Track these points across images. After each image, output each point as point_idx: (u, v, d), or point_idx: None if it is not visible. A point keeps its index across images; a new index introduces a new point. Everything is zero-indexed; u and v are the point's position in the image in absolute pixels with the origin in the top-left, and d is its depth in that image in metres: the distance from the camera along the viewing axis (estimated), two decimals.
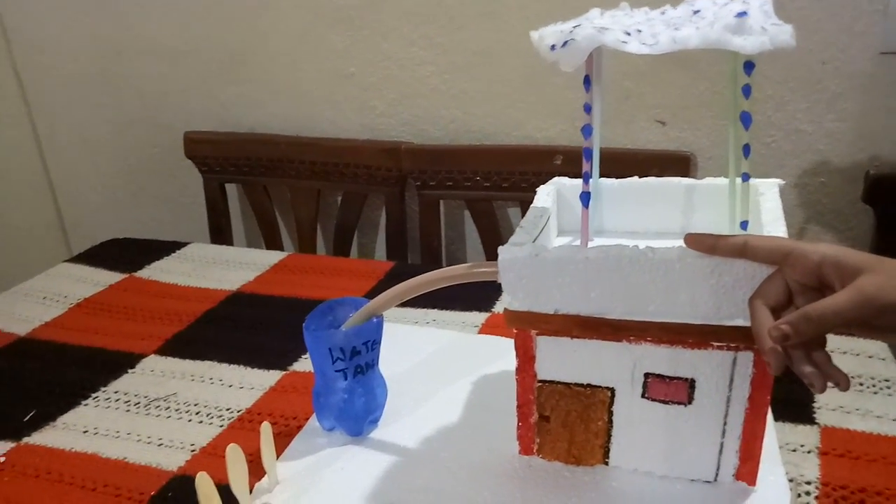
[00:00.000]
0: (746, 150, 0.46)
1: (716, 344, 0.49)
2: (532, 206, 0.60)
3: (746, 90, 0.45)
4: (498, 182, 1.12)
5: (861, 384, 0.69)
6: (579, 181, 0.55)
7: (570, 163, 1.05)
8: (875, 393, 0.68)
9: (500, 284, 0.52)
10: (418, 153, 1.15)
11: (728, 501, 0.53)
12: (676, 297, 0.48)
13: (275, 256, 1.07)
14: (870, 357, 0.73)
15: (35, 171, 1.52)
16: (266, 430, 0.56)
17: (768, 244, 0.44)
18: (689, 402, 0.52)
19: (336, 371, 0.60)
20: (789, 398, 0.67)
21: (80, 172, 1.49)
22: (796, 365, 0.43)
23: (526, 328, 0.53)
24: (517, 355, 0.55)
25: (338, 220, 1.25)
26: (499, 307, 0.88)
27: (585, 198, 0.50)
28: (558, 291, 0.50)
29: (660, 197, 0.61)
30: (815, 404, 0.66)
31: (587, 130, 0.47)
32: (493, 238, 1.16)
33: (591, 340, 0.52)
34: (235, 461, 0.53)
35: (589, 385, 0.54)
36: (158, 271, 1.04)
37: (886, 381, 0.69)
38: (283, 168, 1.24)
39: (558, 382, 0.55)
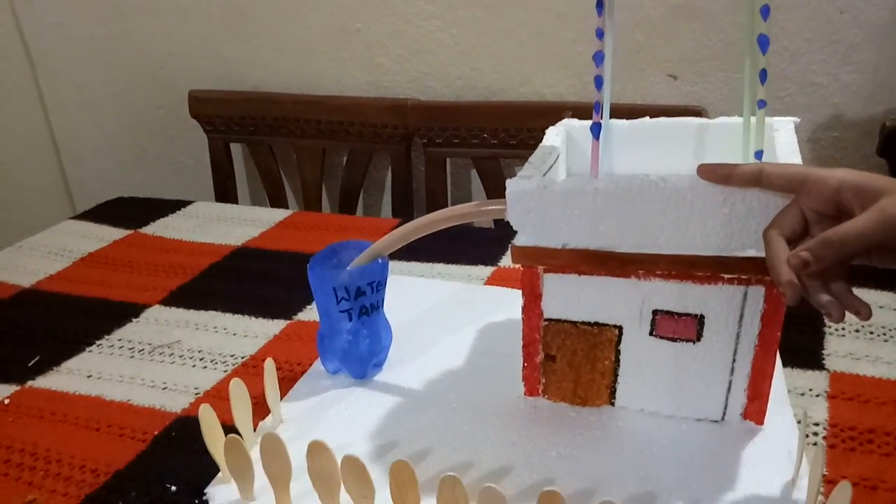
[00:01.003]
0: (763, 75, 0.44)
1: (727, 277, 0.48)
2: (541, 145, 0.59)
3: (765, 10, 0.43)
4: (505, 139, 1.10)
5: (871, 332, 0.68)
6: (589, 122, 0.54)
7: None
8: (886, 341, 0.67)
9: (506, 239, 0.51)
10: (424, 110, 1.13)
11: (735, 440, 0.53)
12: (687, 227, 0.47)
13: (280, 214, 1.06)
14: (881, 307, 0.72)
15: (40, 131, 1.51)
16: (270, 366, 0.56)
17: (784, 171, 0.43)
18: (698, 340, 0.52)
19: (340, 312, 0.60)
20: (798, 345, 0.66)
21: (85, 133, 1.48)
22: (813, 295, 0.42)
23: (533, 265, 0.52)
24: (523, 293, 0.54)
25: (343, 181, 1.24)
26: (504, 261, 0.87)
27: (596, 129, 0.48)
28: (566, 225, 0.49)
29: (671, 137, 0.59)
30: (824, 351, 0.66)
31: (599, 57, 0.46)
32: (500, 197, 1.14)
33: (599, 277, 0.51)
34: (239, 396, 0.53)
35: (596, 323, 0.54)
36: (163, 227, 1.03)
37: None
38: (289, 127, 1.23)
39: (565, 321, 0.54)
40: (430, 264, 0.87)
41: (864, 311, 0.41)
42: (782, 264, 0.42)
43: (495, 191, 1.15)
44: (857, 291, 0.75)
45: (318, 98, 1.21)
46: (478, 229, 1.16)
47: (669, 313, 0.51)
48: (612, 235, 0.49)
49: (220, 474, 0.52)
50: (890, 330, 0.68)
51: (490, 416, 0.57)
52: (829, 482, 0.49)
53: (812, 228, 0.43)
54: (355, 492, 0.45)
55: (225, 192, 1.32)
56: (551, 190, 0.48)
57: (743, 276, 0.48)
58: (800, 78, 0.97)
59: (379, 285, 0.60)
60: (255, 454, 0.50)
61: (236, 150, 1.33)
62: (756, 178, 0.43)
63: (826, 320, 0.71)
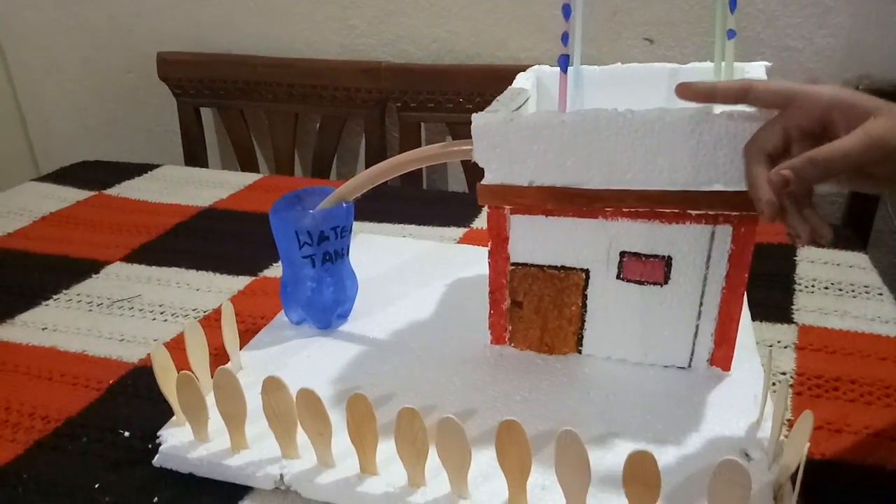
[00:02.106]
0: (733, 2, 0.43)
1: (694, 215, 0.47)
2: (510, 87, 0.57)
3: None
4: (481, 104, 1.08)
5: (840, 289, 0.68)
6: (558, 69, 0.53)
7: None
8: (854, 297, 0.67)
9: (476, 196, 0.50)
10: (399, 72, 1.11)
11: (702, 385, 0.52)
12: (655, 161, 0.46)
13: (250, 177, 1.04)
14: (850, 266, 0.73)
15: (4, 99, 1.46)
16: (228, 309, 0.54)
17: (773, 86, 0.41)
18: (665, 282, 0.51)
19: (303, 258, 0.58)
20: (768, 300, 0.66)
21: (51, 100, 1.44)
22: (787, 216, 0.42)
23: (499, 204, 0.51)
24: (490, 237, 0.53)
25: (316, 148, 1.22)
26: (477, 223, 0.86)
27: (564, 61, 0.47)
28: (533, 160, 0.48)
29: (643, 82, 0.58)
30: (793, 306, 0.65)
31: None
32: (476, 166, 1.13)
33: (566, 218, 0.50)
34: (195, 340, 0.51)
35: (563, 267, 0.53)
36: (129, 189, 1.01)
37: (865, 286, 0.69)
38: (260, 91, 1.20)
39: (531, 265, 0.53)
40: (402, 225, 0.86)
41: (826, 234, 0.41)
42: (763, 182, 0.41)
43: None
44: (829, 252, 0.75)
45: (290, 61, 1.18)
46: (451, 193, 1.15)
47: (637, 255, 0.50)
48: (579, 171, 0.47)
49: (174, 417, 0.50)
50: (859, 287, 0.68)
51: (455, 364, 0.56)
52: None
53: (793, 146, 0.42)
54: (311, 428, 0.44)
55: (194, 158, 1.28)
56: (517, 123, 0.47)
57: (710, 213, 0.47)
58: (775, 42, 0.96)
59: (343, 231, 0.59)
60: (210, 400, 0.48)
61: (206, 115, 1.30)
62: (743, 92, 0.42)
63: (796, 277, 0.71)
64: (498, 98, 0.53)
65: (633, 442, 0.46)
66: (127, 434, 0.52)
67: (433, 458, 0.42)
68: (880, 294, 0.67)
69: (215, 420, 0.48)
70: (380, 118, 1.16)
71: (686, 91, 0.44)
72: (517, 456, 0.39)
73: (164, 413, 0.51)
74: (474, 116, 0.48)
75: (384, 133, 1.18)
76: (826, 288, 0.69)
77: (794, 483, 0.39)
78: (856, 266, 0.73)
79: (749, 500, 0.35)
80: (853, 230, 0.86)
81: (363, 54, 1.17)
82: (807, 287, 0.69)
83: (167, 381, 0.48)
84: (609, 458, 0.45)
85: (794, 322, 0.63)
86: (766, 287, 0.69)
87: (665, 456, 0.45)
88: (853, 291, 0.68)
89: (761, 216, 0.40)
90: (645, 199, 0.47)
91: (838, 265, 0.73)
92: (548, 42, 1.07)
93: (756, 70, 0.55)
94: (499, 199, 0.51)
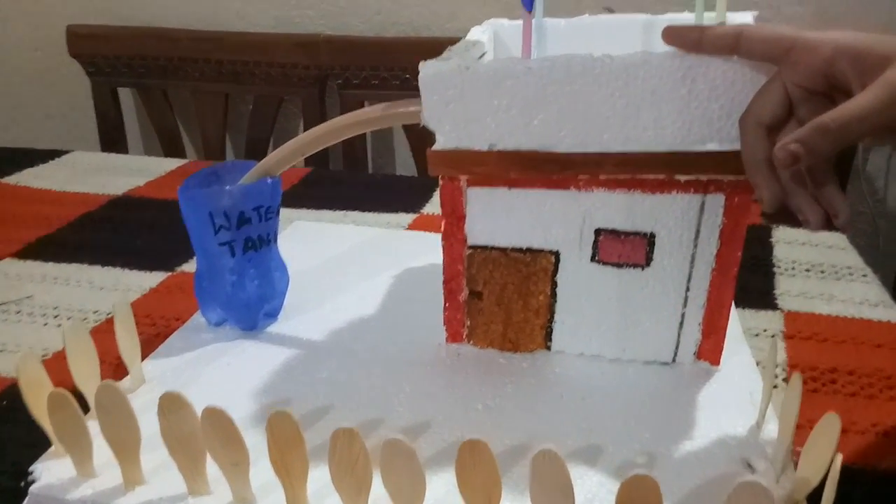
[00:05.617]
0: None
1: (682, 181, 0.40)
2: (463, 39, 0.49)
3: None
4: None
5: (822, 272, 0.63)
6: (519, 22, 0.45)
7: None
8: (838, 279, 0.62)
9: (431, 186, 0.41)
10: (340, 46, 1.02)
11: (690, 383, 0.45)
12: (638, 116, 0.38)
13: (173, 163, 0.93)
14: (829, 247, 0.68)
15: None
16: (122, 307, 0.44)
17: (768, 34, 0.34)
18: (647, 265, 0.43)
19: (220, 244, 0.48)
20: (747, 285, 0.60)
21: None
22: (792, 198, 0.35)
23: (454, 174, 0.43)
24: (444, 215, 0.45)
25: (249, 131, 1.11)
26: (428, 208, 0.77)
27: None
28: (493, 119, 0.40)
29: (615, 36, 0.51)
30: (775, 291, 0.60)
31: None
32: (427, 138, 1.05)
33: (533, 190, 0.43)
34: (77, 347, 0.41)
35: (529, 249, 0.45)
36: (29, 177, 0.88)
37: (848, 268, 0.64)
38: (186, 69, 1.09)
39: (493, 248, 0.45)
40: (344, 212, 0.77)
41: (843, 214, 0.34)
42: (760, 163, 0.34)
43: (420, 145, 1.05)
44: (805, 233, 0.70)
45: (218, 34, 1.08)
46: (399, 177, 1.06)
47: (615, 233, 0.43)
48: (548, 131, 0.40)
49: (52, 448, 0.40)
50: (842, 269, 0.64)
51: (404, 367, 0.47)
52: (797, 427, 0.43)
53: (797, 109, 0.35)
54: (223, 458, 0.35)
55: (112, 145, 1.16)
56: (475, 72, 0.39)
57: (700, 180, 0.40)
58: (742, 10, 0.91)
59: (269, 212, 0.49)
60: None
61: (125, 97, 1.18)
62: (734, 42, 0.35)
63: (774, 260, 0.65)
64: (450, 48, 0.45)
65: (618, 456, 0.39)
66: None
67: (378, 487, 0.34)
68: (864, 276, 0.62)
69: (105, 450, 0.38)
70: (319, 97, 1.06)
71: (672, 37, 0.37)
72: (483, 483, 0.31)
73: (46, 443, 0.41)
74: (422, 65, 0.40)
75: (324, 114, 1.08)
76: (807, 270, 0.63)
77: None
78: (835, 246, 0.68)
79: None
80: None
81: (300, 27, 1.07)
82: (787, 270, 0.64)
83: (39, 401, 0.38)
84: (591, 476, 0.38)
85: (778, 308, 0.57)
86: (744, 270, 0.62)
87: (656, 471, 0.37)
88: (836, 273, 0.63)
89: (761, 204, 0.33)
90: (626, 164, 0.39)
91: (816, 246, 0.68)
92: (501, 13, 0.98)
93: (742, 18, 0.49)
94: (453, 169, 0.42)
